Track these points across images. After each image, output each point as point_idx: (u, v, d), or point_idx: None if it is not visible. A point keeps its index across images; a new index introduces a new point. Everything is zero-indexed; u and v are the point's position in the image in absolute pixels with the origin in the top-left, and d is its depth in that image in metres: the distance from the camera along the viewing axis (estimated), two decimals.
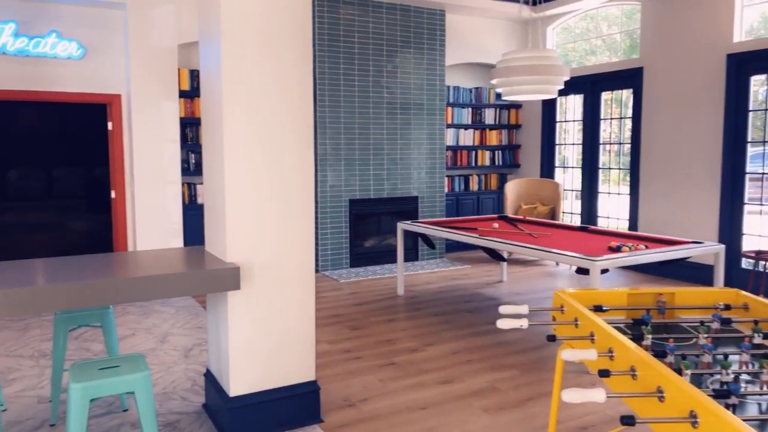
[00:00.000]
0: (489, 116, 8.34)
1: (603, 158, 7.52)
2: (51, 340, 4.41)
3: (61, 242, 9.18)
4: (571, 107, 7.97)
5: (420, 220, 5.86)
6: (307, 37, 3.02)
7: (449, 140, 8.03)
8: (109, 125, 6.09)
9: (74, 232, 10.05)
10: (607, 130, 7.52)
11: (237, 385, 2.97)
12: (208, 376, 3.27)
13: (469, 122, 8.19)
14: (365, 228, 7.24)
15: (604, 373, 1.80)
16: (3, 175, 12.59)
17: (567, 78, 5.43)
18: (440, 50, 7.42)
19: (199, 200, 6.48)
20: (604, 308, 2.38)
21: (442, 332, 4.61)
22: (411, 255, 7.46)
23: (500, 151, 8.49)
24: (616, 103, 7.34)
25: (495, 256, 5.58)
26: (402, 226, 5.69)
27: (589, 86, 7.46)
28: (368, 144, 7.02)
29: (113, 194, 6.14)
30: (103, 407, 3.26)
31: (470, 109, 8.19)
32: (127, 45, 5.84)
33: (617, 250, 4.21)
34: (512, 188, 7.65)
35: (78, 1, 5.65)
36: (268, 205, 2.99)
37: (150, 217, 6.01)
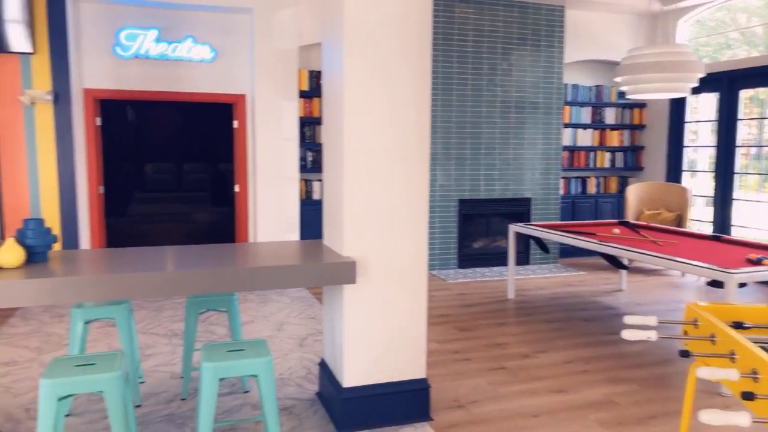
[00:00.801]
0: (610, 116, 7.92)
1: (740, 162, 6.88)
2: (182, 321, 4.78)
3: (187, 231, 9.95)
4: (703, 106, 7.36)
5: (533, 223, 5.69)
6: (427, 38, 3.03)
7: (566, 140, 7.72)
8: (235, 123, 6.48)
9: (199, 222, 10.85)
10: (745, 132, 6.86)
11: (350, 377, 3.04)
12: (323, 365, 3.38)
13: (589, 122, 7.83)
14: (474, 229, 7.15)
15: (748, 396, 1.64)
16: (141, 169, 13.84)
17: (702, 75, 5.02)
18: (558, 47, 7.15)
19: (315, 196, 6.73)
20: (745, 325, 2.17)
21: (555, 340, 4.45)
22: (522, 258, 7.27)
23: (621, 153, 8.04)
24: (755, 102, 6.68)
25: (615, 263, 5.29)
26: (514, 228, 5.55)
27: (726, 84, 6.85)
28: (480, 143, 6.93)
29: (237, 188, 6.53)
30: (227, 387, 3.48)
31: (590, 108, 7.82)
32: (253, 48, 6.19)
33: (758, 263, 3.83)
34: (634, 192, 7.21)
35: (211, 8, 6.07)
36: (385, 202, 3.03)
37: (269, 211, 6.32)
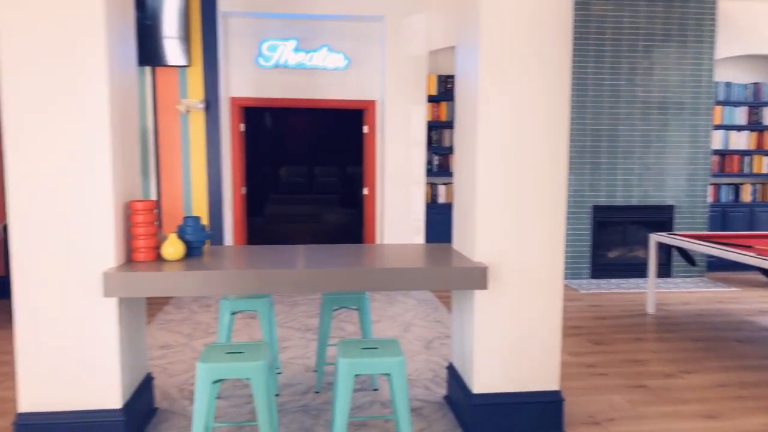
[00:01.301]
0: None
1: None
2: (315, 317, 5.00)
3: (317, 231, 10.40)
4: None
5: (677, 233, 5.26)
6: (566, 38, 2.91)
7: (716, 143, 7.07)
8: (365, 129, 6.67)
9: (329, 223, 11.30)
10: None
11: (480, 383, 3.00)
12: (451, 369, 3.36)
13: (744, 123, 7.10)
14: (609, 237, 6.76)
15: None
16: (276, 172, 14.69)
17: None
18: (708, 42, 6.56)
19: (440, 200, 6.74)
20: None
21: (703, 360, 4.07)
22: (663, 271, 6.75)
23: None
24: None
25: None
26: (656, 237, 5.17)
27: None
28: (617, 147, 6.54)
29: (365, 191, 6.72)
30: (357, 384, 3.58)
31: (745, 107, 7.09)
32: (384, 54, 6.34)
33: None
34: None
35: (345, 17, 6.31)
36: (519, 207, 2.96)
37: (396, 214, 6.44)
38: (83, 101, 2.66)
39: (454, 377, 3.29)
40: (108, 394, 2.78)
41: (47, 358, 2.74)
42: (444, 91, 6.65)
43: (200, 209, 6.23)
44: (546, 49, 2.90)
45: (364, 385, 3.56)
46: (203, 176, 6.21)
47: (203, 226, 3.07)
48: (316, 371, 3.74)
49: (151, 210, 2.87)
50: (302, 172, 14.42)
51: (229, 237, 6.43)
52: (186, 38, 5.96)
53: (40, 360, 2.74)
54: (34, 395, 2.75)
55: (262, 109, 8.28)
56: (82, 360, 2.75)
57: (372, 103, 6.57)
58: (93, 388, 2.77)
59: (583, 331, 4.71)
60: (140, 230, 2.85)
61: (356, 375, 2.56)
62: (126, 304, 2.87)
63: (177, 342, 4.38)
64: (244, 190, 6.57)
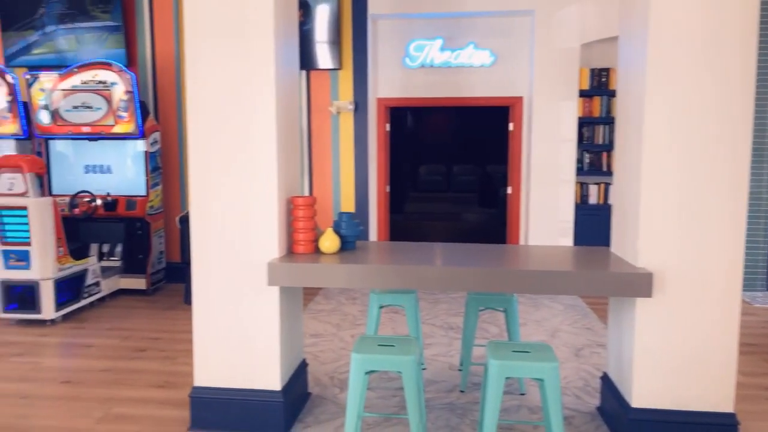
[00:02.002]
0: None
1: None
2: (457, 315, 4.99)
3: (456, 230, 10.38)
4: None
5: None
6: (751, 21, 2.60)
7: None
8: (510, 126, 6.51)
9: (467, 222, 11.23)
10: None
11: (640, 397, 2.79)
12: (605, 380, 3.17)
13: None
14: None
15: None
16: (415, 170, 14.87)
17: None
18: None
19: (591, 200, 6.38)
20: None
21: None
22: None
23: None
24: None
25: None
26: None
27: None
28: None
29: (509, 190, 6.56)
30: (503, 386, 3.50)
31: None
32: (533, 49, 6.13)
33: None
34: None
35: (492, 13, 6.20)
36: (692, 209, 2.70)
37: (542, 214, 6.21)
38: (253, 101, 2.88)
39: (609, 388, 3.09)
40: (269, 376, 2.99)
41: (218, 339, 3.01)
42: (597, 85, 6.29)
43: (348, 206, 6.48)
44: (726, 35, 2.62)
45: (510, 388, 3.47)
46: (351, 174, 6.46)
47: (357, 222, 3.18)
48: (460, 370, 3.73)
49: (311, 205, 3.04)
50: (441, 171, 14.48)
51: (373, 233, 6.63)
52: (337, 42, 6.23)
53: (213, 340, 3.01)
54: (207, 371, 3.04)
55: (404, 109, 8.42)
56: (247, 342, 2.99)
57: (519, 99, 6.39)
58: (256, 369, 3.00)
59: (759, 349, 4.20)
60: (300, 224, 3.03)
61: (507, 377, 2.50)
62: (286, 293, 3.07)
63: (327, 331, 4.60)
64: (387, 188, 6.73)
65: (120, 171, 6.01)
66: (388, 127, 6.68)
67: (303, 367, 3.37)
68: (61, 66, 6.05)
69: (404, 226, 10.24)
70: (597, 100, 6.31)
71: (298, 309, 3.31)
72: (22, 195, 4.68)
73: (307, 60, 6.27)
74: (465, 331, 3.51)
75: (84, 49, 6.22)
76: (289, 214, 3.09)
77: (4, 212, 4.67)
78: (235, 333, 2.99)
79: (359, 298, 5.60)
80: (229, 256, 2.95)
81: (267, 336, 2.97)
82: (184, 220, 5.44)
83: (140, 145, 5.86)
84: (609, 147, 6.34)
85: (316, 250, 3.08)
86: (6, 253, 4.72)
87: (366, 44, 6.25)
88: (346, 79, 6.37)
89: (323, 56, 6.27)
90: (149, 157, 5.86)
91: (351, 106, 6.30)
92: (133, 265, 5.86)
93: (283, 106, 3.00)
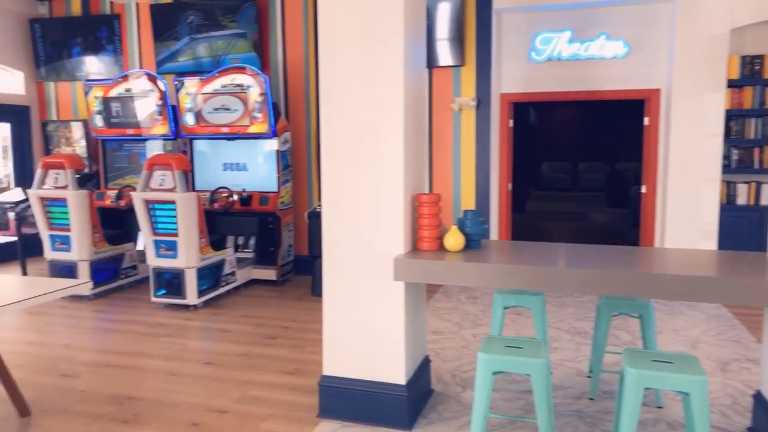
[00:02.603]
0: None
1: None
2: (584, 320, 4.76)
3: (580, 231, 9.90)
4: None
5: None
6: None
7: None
8: (645, 120, 6.09)
9: (593, 222, 10.67)
10: None
11: None
12: (759, 399, 2.87)
13: None
14: None
15: None
16: (537, 167, 14.42)
17: None
18: None
19: (740, 201, 5.80)
20: None
21: None
22: None
23: None
24: None
25: None
26: None
27: None
28: None
29: (643, 189, 6.14)
30: None
31: None
32: (673, 37, 5.69)
33: None
34: None
35: (627, 1, 5.83)
36: None
37: (680, 215, 5.74)
38: (382, 102, 2.94)
39: (763, 408, 2.79)
40: (394, 370, 3.04)
41: (346, 331, 3.11)
42: (749, 74, 5.69)
43: (468, 204, 6.42)
44: None
45: (646, 400, 3.25)
46: (472, 172, 6.39)
47: (482, 221, 3.14)
48: (589, 377, 3.55)
49: (435, 203, 3.04)
50: (565, 168, 13.89)
51: (494, 232, 6.51)
52: (459, 39, 6.18)
53: (341, 331, 3.12)
54: (335, 361, 3.15)
55: (527, 104, 8.18)
56: (374, 335, 3.05)
57: (655, 92, 5.96)
58: (382, 362, 3.06)
59: None
60: (425, 221, 3.04)
61: (646, 388, 2.34)
62: (411, 289, 3.10)
63: (447, 329, 4.59)
64: (509, 186, 6.58)
65: (254, 168, 6.41)
66: (511, 123, 6.53)
67: (426, 363, 3.38)
68: (199, 72, 6.61)
69: (526, 225, 9.94)
70: (748, 91, 5.72)
71: (421, 305, 3.33)
72: (171, 190, 5.14)
73: (428, 58, 6.29)
74: (596, 336, 3.34)
75: (216, 55, 6.76)
76: (414, 211, 3.12)
77: (156, 206, 5.16)
78: (363, 326, 3.07)
79: (480, 298, 5.53)
80: (358, 251, 3.04)
81: (393, 330, 3.01)
82: (313, 216, 5.68)
83: (272, 144, 6.21)
84: (763, 142, 5.72)
85: (441, 248, 3.08)
86: (157, 243, 5.22)
87: (490, 39, 6.15)
88: (468, 75, 6.31)
89: (444, 53, 6.26)
90: (280, 155, 6.20)
91: (473, 103, 6.23)
92: (264, 257, 6.24)
93: (410, 105, 3.02)
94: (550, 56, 6.21)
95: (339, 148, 3.03)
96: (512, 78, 6.38)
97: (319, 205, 5.92)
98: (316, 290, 5.67)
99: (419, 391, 3.22)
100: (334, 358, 3.15)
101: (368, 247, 3.01)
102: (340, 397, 3.11)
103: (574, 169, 13.91)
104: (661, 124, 5.96)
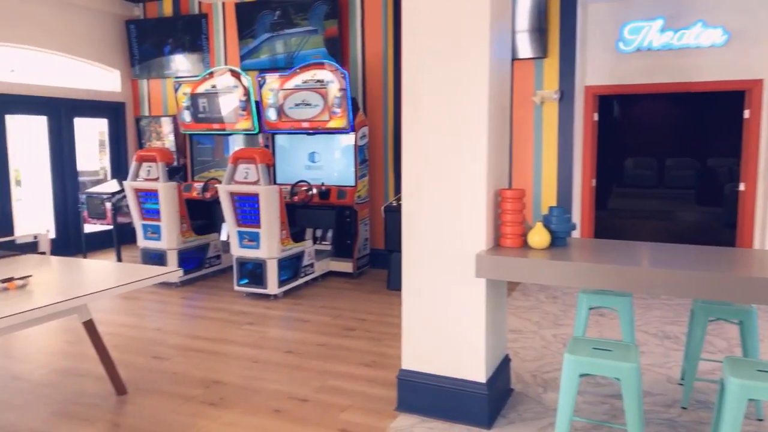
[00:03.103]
0: None
1: None
2: (674, 324, 4.51)
3: (668, 230, 9.40)
4: None
5: None
6: None
7: None
8: (745, 113, 5.68)
9: (682, 221, 10.10)
10: None
11: None
12: None
13: None
14: None
15: None
16: (621, 164, 13.80)
17: None
18: None
19: None
20: None
21: None
22: None
23: None
24: None
25: None
26: None
27: None
28: None
29: (741, 186, 5.74)
30: None
31: None
32: None
33: None
34: None
35: None
36: None
37: None
38: (467, 96, 2.89)
39: None
40: (474, 367, 3.00)
41: (425, 325, 3.09)
42: None
43: (550, 200, 6.24)
44: None
45: (746, 412, 3.03)
46: (554, 167, 6.19)
47: (568, 217, 3.03)
48: (681, 384, 3.36)
49: (519, 199, 2.96)
50: (651, 165, 13.18)
51: (576, 230, 6.29)
52: (542, 30, 6.00)
53: (420, 326, 3.11)
54: (414, 355, 3.15)
55: (612, 97, 7.82)
56: (453, 331, 3.02)
57: (758, 82, 5.54)
58: (461, 359, 3.02)
59: None
60: (508, 217, 2.97)
61: (750, 399, 2.18)
62: (492, 286, 3.04)
63: (526, 328, 4.48)
64: (593, 182, 6.33)
65: (331, 163, 6.51)
66: (596, 116, 6.27)
67: (506, 362, 3.32)
68: (274, 68, 6.82)
69: (609, 223, 9.55)
70: None
71: (502, 303, 3.26)
72: (255, 183, 5.31)
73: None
74: (689, 342, 3.15)
75: (290, 51, 6.95)
76: (497, 206, 3.05)
77: (240, 198, 5.34)
78: (442, 321, 3.04)
79: (560, 297, 5.37)
80: (438, 246, 3.01)
81: (473, 327, 2.97)
82: (389, 210, 5.70)
83: (350, 139, 6.28)
84: None
85: (524, 245, 3.00)
86: (241, 234, 5.40)
87: (575, 30, 5.93)
88: (551, 67, 6.11)
89: (523, 45, 6.10)
90: (358, 150, 6.26)
91: (556, 96, 6.04)
92: (341, 249, 6.33)
93: (495, 99, 2.96)
94: (639, 46, 5.90)
95: (420, 142, 3.01)
96: (597, 70, 6.12)
97: (396, 200, 5.93)
98: (392, 284, 5.69)
99: (499, 390, 3.16)
100: (413, 352, 3.15)
101: (449, 242, 2.98)
102: (419, 391, 3.11)
103: (660, 165, 13.20)
104: (763, 118, 5.54)
